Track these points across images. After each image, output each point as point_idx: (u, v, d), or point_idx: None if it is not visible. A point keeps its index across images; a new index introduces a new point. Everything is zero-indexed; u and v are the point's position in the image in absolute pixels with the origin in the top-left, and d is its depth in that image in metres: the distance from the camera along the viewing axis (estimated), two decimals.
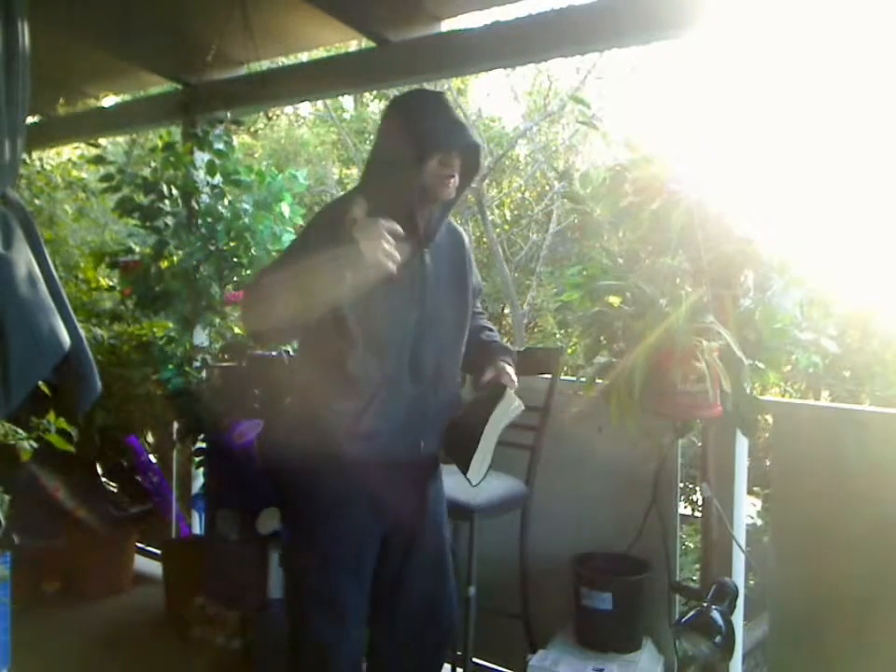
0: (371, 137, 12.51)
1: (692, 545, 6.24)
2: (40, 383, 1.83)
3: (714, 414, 1.87)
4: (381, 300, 1.68)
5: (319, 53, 4.37)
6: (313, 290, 1.56)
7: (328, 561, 1.84)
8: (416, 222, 1.73)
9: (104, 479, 3.35)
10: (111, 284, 3.59)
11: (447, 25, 2.78)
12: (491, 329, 2.01)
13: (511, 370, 1.85)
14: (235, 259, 3.04)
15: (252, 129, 11.35)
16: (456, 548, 2.19)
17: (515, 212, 12.54)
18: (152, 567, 3.42)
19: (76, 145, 4.71)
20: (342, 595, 1.84)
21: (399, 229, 1.55)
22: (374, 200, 1.71)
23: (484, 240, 11.32)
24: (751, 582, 2.17)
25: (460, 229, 1.95)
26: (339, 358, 1.70)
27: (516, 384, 1.82)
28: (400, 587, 1.88)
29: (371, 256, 1.49)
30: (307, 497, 1.83)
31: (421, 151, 1.68)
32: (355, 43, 3.77)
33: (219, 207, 3.06)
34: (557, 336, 9.87)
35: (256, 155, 11.52)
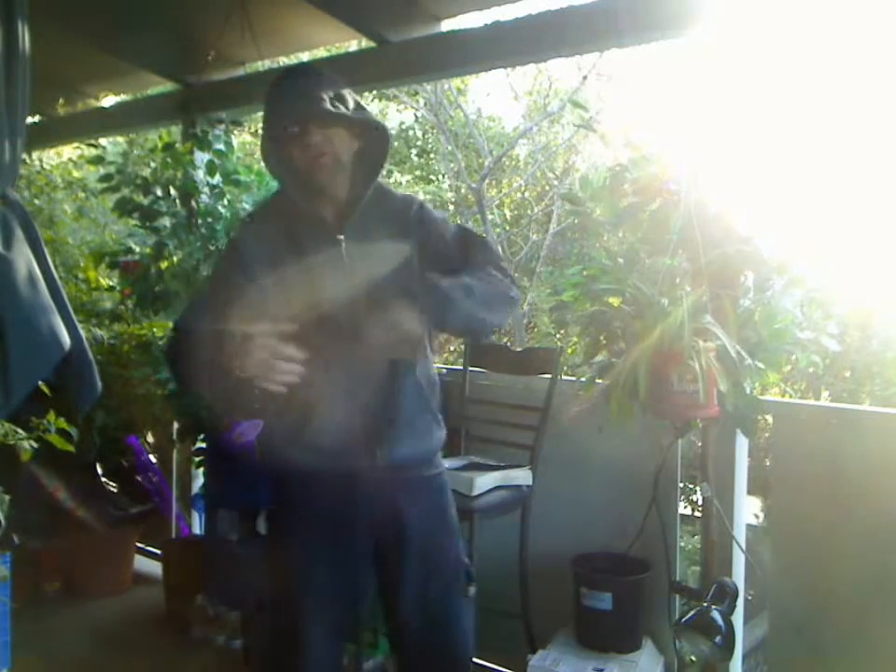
0: None
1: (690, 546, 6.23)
2: (40, 383, 1.84)
3: (710, 415, 1.87)
4: (299, 301, 1.47)
5: (319, 53, 4.38)
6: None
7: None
8: (319, 211, 1.55)
9: (104, 479, 3.35)
10: (111, 284, 3.59)
11: (447, 25, 2.78)
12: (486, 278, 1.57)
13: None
14: None
15: (252, 129, 11.33)
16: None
17: (515, 212, 12.52)
18: (152, 567, 3.41)
19: (75, 145, 4.71)
20: None
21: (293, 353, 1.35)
22: (280, 200, 1.62)
23: None
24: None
25: (409, 196, 1.69)
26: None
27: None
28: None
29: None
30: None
31: (265, 130, 1.51)
32: (355, 43, 3.77)
33: (219, 207, 3.06)
34: (555, 336, 9.85)
35: (256, 155, 11.50)
